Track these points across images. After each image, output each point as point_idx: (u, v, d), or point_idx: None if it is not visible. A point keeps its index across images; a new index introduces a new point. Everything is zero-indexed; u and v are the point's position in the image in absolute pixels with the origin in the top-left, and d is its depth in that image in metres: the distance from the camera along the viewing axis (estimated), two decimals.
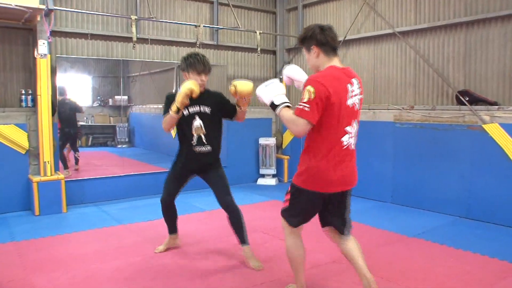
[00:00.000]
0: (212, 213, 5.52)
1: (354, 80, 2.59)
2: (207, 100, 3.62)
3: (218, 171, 3.80)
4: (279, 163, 7.88)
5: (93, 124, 7.20)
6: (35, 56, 5.36)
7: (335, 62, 2.62)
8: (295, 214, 2.76)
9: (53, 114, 5.61)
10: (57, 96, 6.08)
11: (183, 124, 3.63)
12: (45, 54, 5.34)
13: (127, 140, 7.51)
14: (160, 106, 7.77)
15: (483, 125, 5.09)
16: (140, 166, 7.11)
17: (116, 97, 7.25)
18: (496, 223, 5.04)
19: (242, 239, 3.76)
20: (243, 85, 3.31)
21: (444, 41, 5.64)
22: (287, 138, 7.94)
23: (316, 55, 2.62)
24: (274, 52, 8.13)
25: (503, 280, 3.47)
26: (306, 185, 2.64)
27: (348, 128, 2.56)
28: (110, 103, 7.26)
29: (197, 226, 4.93)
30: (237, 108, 3.61)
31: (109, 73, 7.10)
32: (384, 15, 6.31)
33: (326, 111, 2.47)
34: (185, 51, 6.99)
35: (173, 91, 6.33)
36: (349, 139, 2.58)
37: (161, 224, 4.86)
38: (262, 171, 7.74)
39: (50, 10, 5.37)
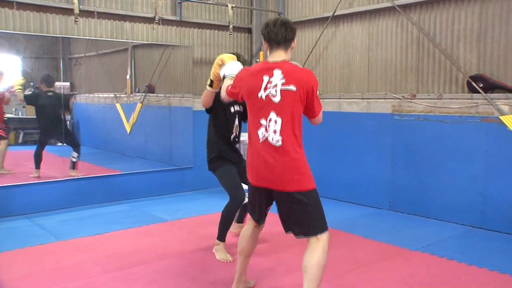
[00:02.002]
0: (175, 223, 5.49)
1: (276, 71, 2.91)
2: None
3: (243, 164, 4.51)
4: None
5: (24, 116, 7.04)
6: None
7: (275, 57, 3.00)
8: (247, 203, 3.33)
9: None
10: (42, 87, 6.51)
11: (226, 120, 4.40)
12: None
13: None
14: (112, 95, 7.73)
15: (501, 117, 5.06)
16: (87, 168, 7.00)
17: (56, 83, 7.02)
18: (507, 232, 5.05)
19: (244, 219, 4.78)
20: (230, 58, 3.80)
21: (454, 15, 5.60)
22: None
23: (265, 49, 3.08)
24: (249, 30, 8.08)
25: None
26: (247, 176, 3.14)
27: (262, 121, 2.92)
28: None
29: (157, 240, 4.87)
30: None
31: (45, 54, 6.95)
32: None
33: (246, 103, 3.05)
34: (141, 27, 6.84)
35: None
36: (265, 133, 2.91)
37: (113, 238, 4.93)
38: None
39: None
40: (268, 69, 2.93)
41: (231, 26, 7.18)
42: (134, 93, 7.59)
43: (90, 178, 6.47)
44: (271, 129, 2.87)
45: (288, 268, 4.03)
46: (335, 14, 6.73)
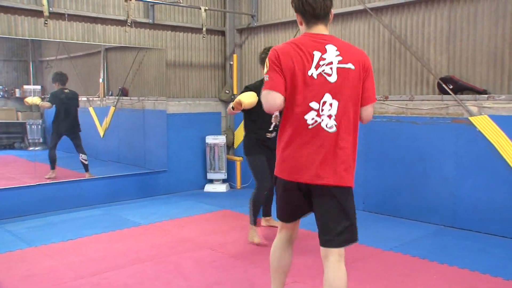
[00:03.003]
0: (149, 227, 5.43)
1: (329, 47, 2.52)
2: None
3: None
4: (230, 166, 7.80)
5: None
6: None
7: (315, 30, 2.60)
8: (278, 207, 2.83)
9: None
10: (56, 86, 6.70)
11: (262, 113, 4.61)
12: None
13: (41, 140, 7.31)
14: (85, 98, 7.61)
15: (470, 118, 5.12)
16: (58, 173, 6.84)
17: (26, 86, 6.96)
18: (487, 232, 5.08)
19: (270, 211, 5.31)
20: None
21: (425, 18, 5.65)
22: (240, 136, 7.81)
23: (299, 23, 2.66)
24: (223, 33, 8.03)
25: None
26: (278, 172, 2.69)
27: (313, 105, 2.50)
28: (18, 94, 6.99)
29: (131, 244, 4.81)
30: None
31: (14, 56, 6.84)
32: None
33: (288, 85, 2.55)
34: (113, 30, 6.76)
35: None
36: (316, 118, 2.52)
37: (86, 243, 4.84)
38: (210, 176, 7.69)
39: None
40: (319, 44, 2.51)
41: (204, 29, 7.06)
42: (107, 97, 7.50)
43: (62, 182, 6.35)
44: (326, 114, 2.50)
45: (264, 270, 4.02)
46: None
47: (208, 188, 7.59)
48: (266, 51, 4.55)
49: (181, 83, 7.52)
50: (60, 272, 4.01)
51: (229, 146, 7.91)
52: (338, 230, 2.57)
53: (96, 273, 3.95)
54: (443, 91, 5.36)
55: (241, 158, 7.74)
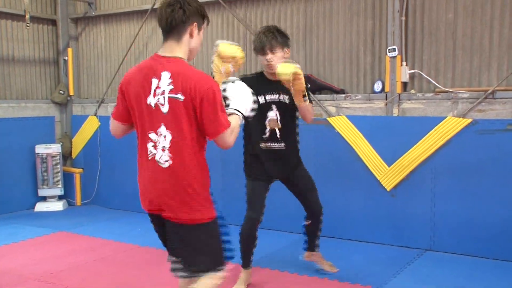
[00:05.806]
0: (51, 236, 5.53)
1: (164, 74, 2.54)
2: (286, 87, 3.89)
3: (301, 172, 4.29)
4: (67, 179, 7.56)
5: None
6: None
7: (166, 50, 2.63)
8: None
9: None
10: None
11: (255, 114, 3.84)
12: None
13: None
14: None
15: (329, 118, 5.43)
16: None
17: None
18: (348, 238, 5.40)
19: (315, 247, 4.49)
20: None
21: (281, 13, 5.89)
22: (79, 144, 7.63)
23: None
24: (54, 22, 7.80)
25: None
26: None
27: (151, 135, 2.57)
28: None
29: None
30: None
31: None
32: None
33: (130, 110, 2.65)
34: None
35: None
36: (153, 150, 2.58)
37: None
38: (42, 192, 7.41)
39: None
40: (156, 70, 2.55)
41: (28, 16, 6.69)
42: None
43: None
44: (160, 146, 2.54)
45: None
46: (155, 7, 6.63)
47: (40, 207, 7.32)
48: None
49: (0, 82, 7.12)
50: None
51: (66, 156, 7.69)
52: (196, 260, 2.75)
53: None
54: None
55: (80, 169, 7.53)
